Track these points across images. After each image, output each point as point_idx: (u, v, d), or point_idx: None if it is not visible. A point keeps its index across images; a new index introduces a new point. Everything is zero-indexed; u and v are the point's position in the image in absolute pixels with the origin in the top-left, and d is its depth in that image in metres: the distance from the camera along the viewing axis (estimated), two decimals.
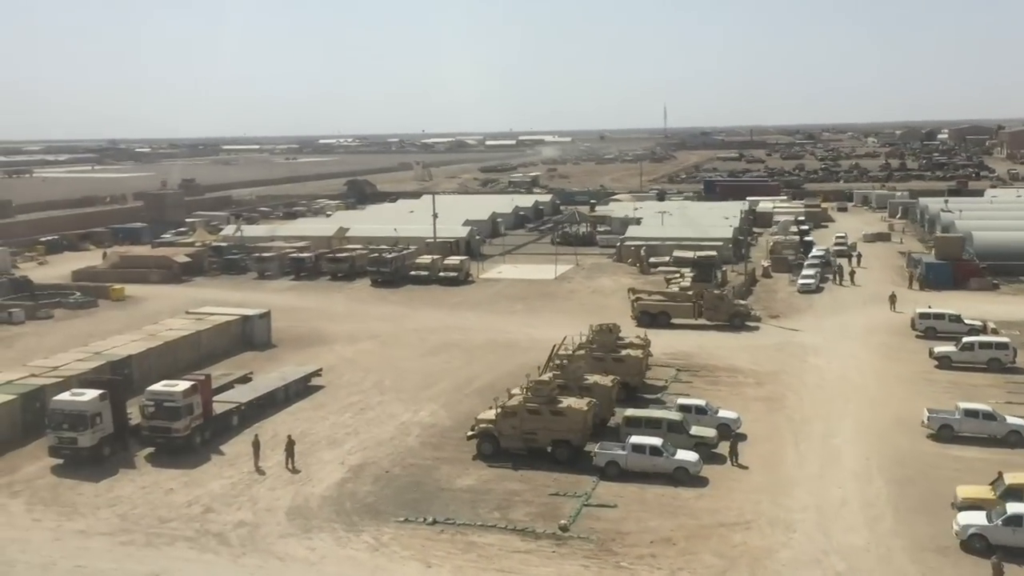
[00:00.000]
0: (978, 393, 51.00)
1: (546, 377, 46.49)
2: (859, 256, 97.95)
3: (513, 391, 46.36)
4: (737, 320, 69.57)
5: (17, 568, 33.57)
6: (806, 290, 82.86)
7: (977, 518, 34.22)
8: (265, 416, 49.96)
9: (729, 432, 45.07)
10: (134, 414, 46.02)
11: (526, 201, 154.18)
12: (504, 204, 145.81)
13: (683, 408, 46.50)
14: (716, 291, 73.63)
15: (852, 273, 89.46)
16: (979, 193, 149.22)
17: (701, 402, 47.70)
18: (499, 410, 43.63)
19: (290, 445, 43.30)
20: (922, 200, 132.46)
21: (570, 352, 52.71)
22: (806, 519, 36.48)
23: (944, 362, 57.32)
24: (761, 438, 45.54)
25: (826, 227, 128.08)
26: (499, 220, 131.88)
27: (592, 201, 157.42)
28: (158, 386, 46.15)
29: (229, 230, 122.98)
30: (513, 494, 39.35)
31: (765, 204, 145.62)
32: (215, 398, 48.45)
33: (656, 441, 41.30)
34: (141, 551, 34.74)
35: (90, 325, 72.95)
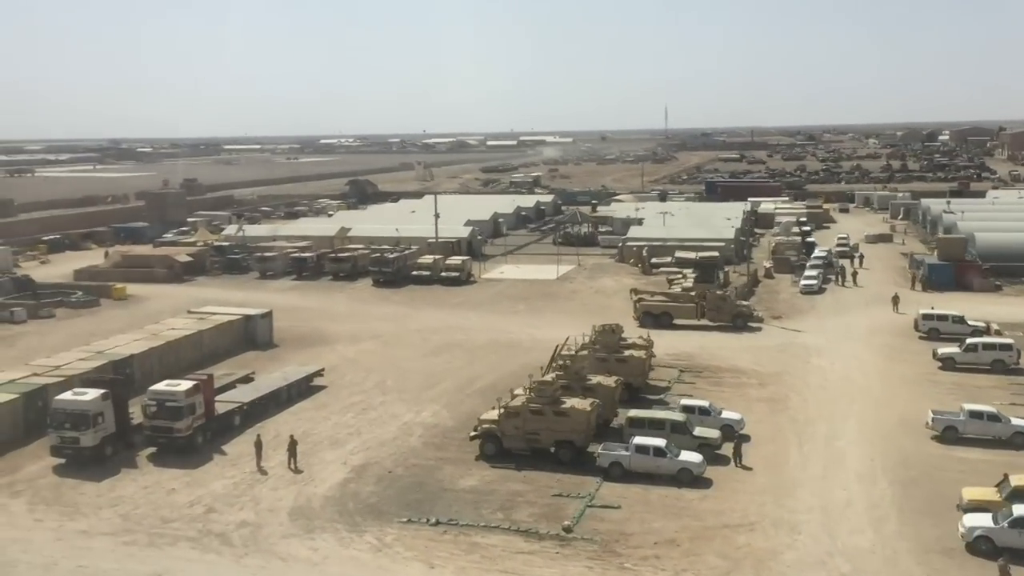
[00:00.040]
0: (982, 395, 50.88)
1: (549, 377, 46.34)
2: (861, 257, 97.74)
3: (516, 391, 46.22)
4: (739, 321, 69.49)
5: (19, 568, 33.48)
6: (808, 291, 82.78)
7: (983, 520, 34.09)
8: (267, 416, 49.90)
9: (733, 433, 44.97)
10: (136, 414, 45.94)
11: (528, 201, 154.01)
12: (506, 204, 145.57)
13: (686, 409, 46.32)
14: (718, 292, 73.52)
15: (854, 274, 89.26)
16: (981, 194, 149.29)
17: (704, 403, 47.51)
18: (502, 410, 43.47)
19: (292, 445, 43.21)
20: (924, 201, 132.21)
21: (573, 352, 52.56)
22: (810, 521, 36.36)
23: (948, 363, 57.21)
24: (765, 439, 45.44)
25: (828, 228, 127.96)
26: (501, 220, 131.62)
27: (594, 201, 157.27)
28: (160, 386, 46.11)
29: (231, 230, 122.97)
30: (516, 495, 39.24)
31: (767, 205, 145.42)
32: (217, 398, 48.37)
33: (660, 442, 41.18)
34: (143, 551, 34.65)
35: (92, 324, 72.88)
